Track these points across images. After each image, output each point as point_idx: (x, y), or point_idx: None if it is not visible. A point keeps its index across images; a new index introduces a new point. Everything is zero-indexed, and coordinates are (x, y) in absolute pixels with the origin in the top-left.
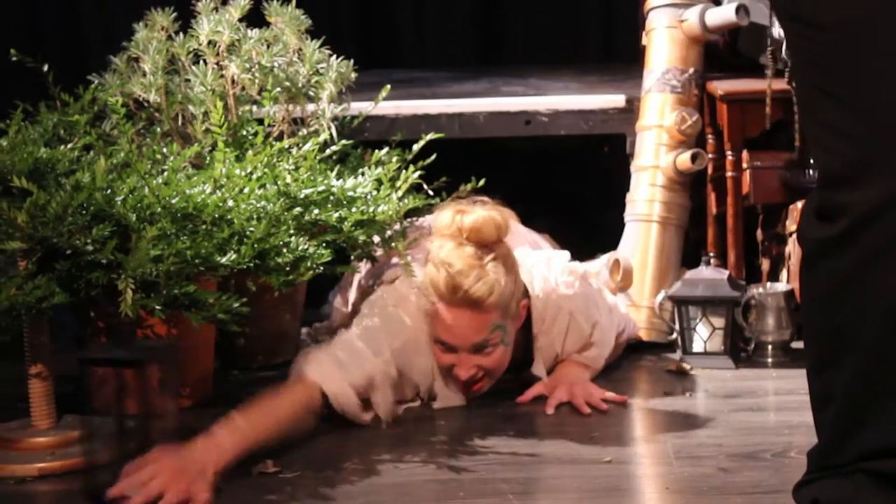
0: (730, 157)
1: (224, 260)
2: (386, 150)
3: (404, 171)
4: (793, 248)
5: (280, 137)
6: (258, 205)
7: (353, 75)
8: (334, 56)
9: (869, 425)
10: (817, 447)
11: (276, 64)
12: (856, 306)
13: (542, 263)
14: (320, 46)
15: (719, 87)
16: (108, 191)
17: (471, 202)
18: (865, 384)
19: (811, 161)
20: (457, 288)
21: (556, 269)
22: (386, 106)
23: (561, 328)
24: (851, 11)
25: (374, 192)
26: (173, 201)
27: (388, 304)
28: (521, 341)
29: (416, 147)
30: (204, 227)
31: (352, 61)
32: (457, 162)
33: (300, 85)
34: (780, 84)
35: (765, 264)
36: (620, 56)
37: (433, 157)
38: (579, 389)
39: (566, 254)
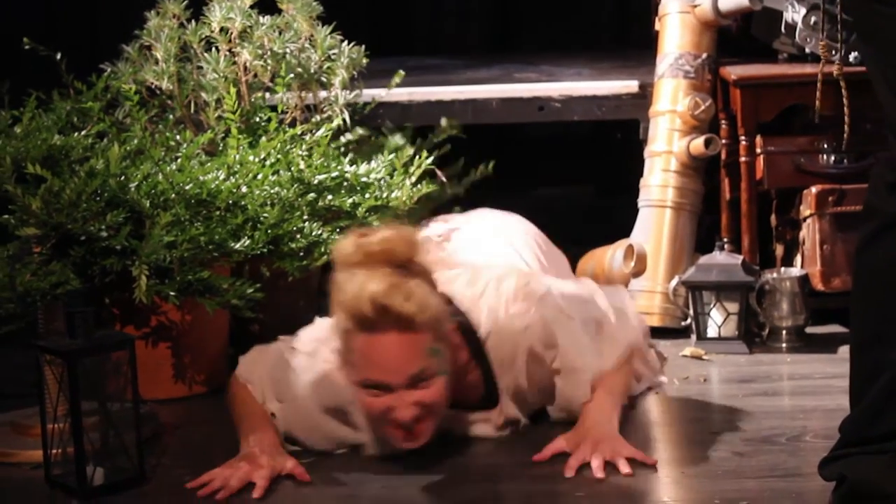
0: (743, 142)
1: (238, 246)
2: (399, 135)
3: (417, 157)
4: (807, 233)
5: (293, 124)
6: (272, 191)
7: (365, 61)
8: (346, 42)
9: None
10: (851, 419)
11: (288, 50)
12: None
13: (491, 290)
14: (332, 32)
15: (732, 72)
16: (122, 177)
17: (371, 228)
18: None
19: (828, 146)
20: (386, 309)
21: (506, 296)
22: (399, 92)
23: (521, 366)
24: None
25: (388, 178)
26: (187, 187)
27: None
28: (480, 380)
29: (433, 137)
30: (218, 213)
31: (363, 47)
32: (471, 147)
33: (312, 71)
34: (794, 69)
35: (779, 249)
36: (633, 42)
37: (447, 146)
38: (605, 448)
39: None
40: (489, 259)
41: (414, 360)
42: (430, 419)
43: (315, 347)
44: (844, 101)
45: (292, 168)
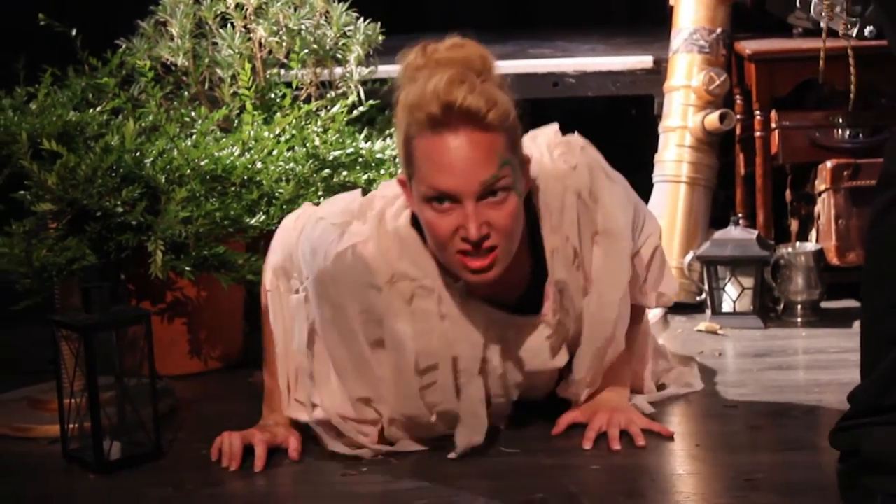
0: (758, 117)
1: (253, 221)
2: None
3: None
4: (822, 208)
5: (308, 100)
6: (287, 167)
7: (381, 38)
8: (361, 19)
9: None
10: (862, 389)
11: (303, 27)
12: None
13: (528, 143)
14: (347, 9)
15: (747, 46)
16: (138, 153)
17: (437, 39)
18: None
19: (843, 121)
20: (450, 104)
21: (546, 143)
22: None
23: (571, 215)
24: None
25: None
26: (202, 163)
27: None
28: (527, 260)
29: None
30: (233, 188)
31: (379, 24)
32: None
33: (327, 48)
34: (809, 43)
35: (793, 224)
36: (648, 17)
37: None
38: (620, 417)
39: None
40: None
41: (485, 164)
42: (500, 249)
43: (346, 220)
44: (851, 70)
45: (307, 144)
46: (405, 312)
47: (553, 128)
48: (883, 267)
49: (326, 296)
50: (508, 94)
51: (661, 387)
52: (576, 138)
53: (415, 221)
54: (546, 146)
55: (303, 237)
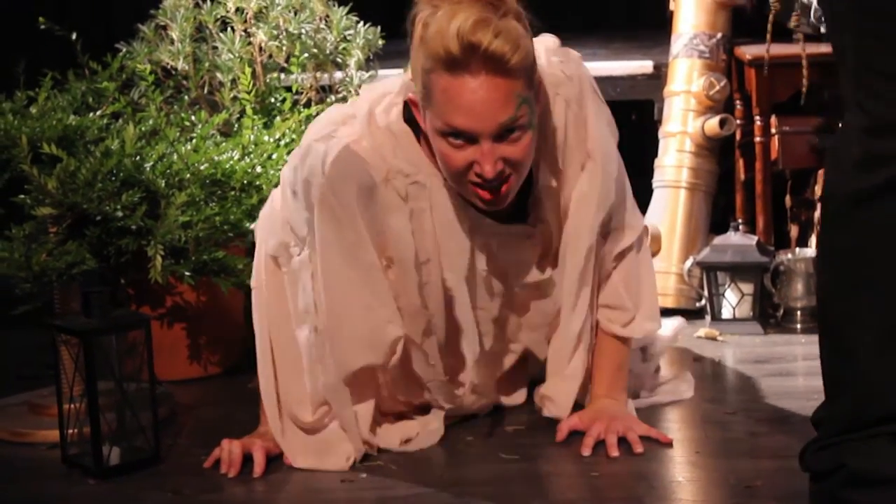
0: (758, 123)
1: (253, 226)
2: None
3: None
4: (816, 238)
5: (308, 104)
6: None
7: (381, 42)
8: (361, 23)
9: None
10: (829, 409)
11: (303, 31)
12: (892, 261)
13: None
14: (347, 13)
15: (747, 51)
16: (137, 157)
17: None
18: (893, 342)
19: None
20: (474, 47)
21: (542, 48)
22: None
23: (559, 122)
24: None
25: None
26: (202, 167)
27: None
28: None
29: None
30: (233, 193)
31: (379, 28)
32: None
33: (328, 52)
34: (810, 49)
35: (793, 230)
36: (648, 22)
37: None
38: (618, 424)
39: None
40: None
41: (505, 106)
42: (513, 178)
43: (331, 130)
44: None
45: None
46: (403, 209)
47: (552, 37)
48: (833, 282)
49: (329, 208)
50: (526, 24)
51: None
52: (574, 52)
53: (407, 116)
54: (545, 50)
55: (294, 173)
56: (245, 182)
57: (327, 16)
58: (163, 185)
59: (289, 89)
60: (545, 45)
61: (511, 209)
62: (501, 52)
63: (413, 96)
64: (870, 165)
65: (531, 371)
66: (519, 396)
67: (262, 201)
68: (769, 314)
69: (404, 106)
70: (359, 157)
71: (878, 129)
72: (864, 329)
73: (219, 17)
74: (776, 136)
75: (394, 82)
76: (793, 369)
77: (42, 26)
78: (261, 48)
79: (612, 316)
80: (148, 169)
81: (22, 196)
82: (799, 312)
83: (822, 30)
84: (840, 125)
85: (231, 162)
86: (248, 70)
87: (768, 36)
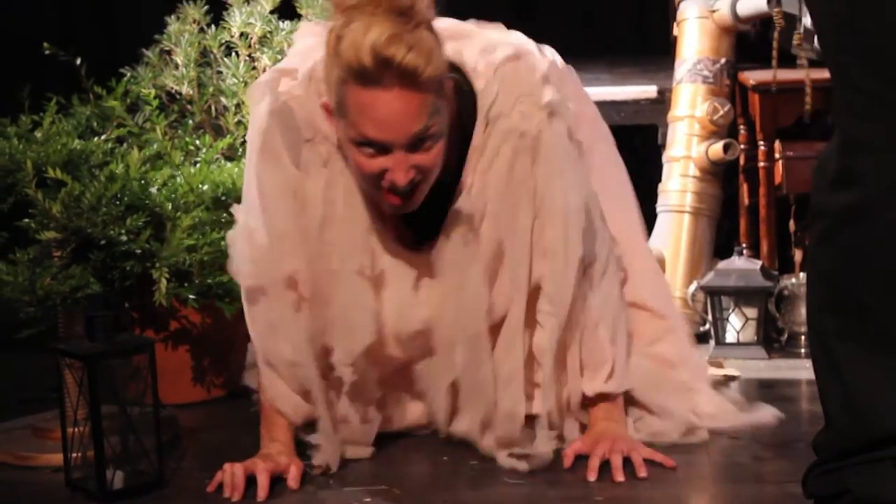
0: (762, 147)
1: None
2: None
3: None
4: (805, 256)
5: None
6: None
7: None
8: None
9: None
10: (827, 432)
11: None
12: (878, 276)
13: (511, 62)
14: None
15: (751, 77)
16: (142, 181)
17: None
18: (885, 363)
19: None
20: (387, 61)
21: (535, 73)
22: None
23: (505, 156)
24: None
25: None
26: (205, 188)
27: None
28: (453, 163)
29: None
30: None
31: None
32: None
33: None
34: (813, 74)
35: (797, 255)
36: (652, 47)
37: None
38: (622, 445)
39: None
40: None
41: (416, 119)
42: (423, 184)
43: (274, 77)
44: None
45: None
46: (321, 175)
47: (551, 54)
48: (820, 300)
49: (268, 152)
50: (436, 32)
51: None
52: (570, 84)
53: None
54: (528, 78)
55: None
56: None
57: None
58: (169, 207)
59: None
60: (534, 76)
61: (426, 204)
62: (414, 65)
63: (326, 102)
64: (845, 183)
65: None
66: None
67: None
68: (773, 339)
69: None
70: (291, 114)
71: (853, 147)
72: (852, 347)
73: (223, 41)
74: (780, 161)
75: None
76: (797, 394)
77: (47, 51)
78: (265, 73)
79: (594, 375)
80: (153, 193)
81: (26, 220)
82: (803, 337)
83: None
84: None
85: (233, 178)
86: None
87: (774, 54)
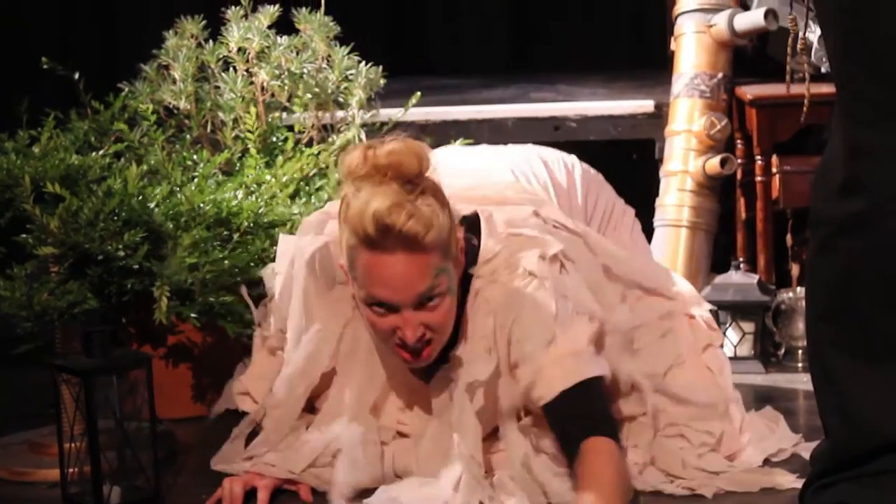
0: (759, 162)
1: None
2: None
3: None
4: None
5: (310, 144)
6: (292, 212)
7: (383, 81)
8: (363, 62)
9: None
10: (824, 446)
11: (305, 71)
12: (877, 285)
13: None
14: (349, 53)
15: (748, 91)
16: (140, 197)
17: (379, 140)
18: (881, 372)
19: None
20: (388, 228)
21: (536, 273)
22: (416, 112)
23: (501, 345)
24: None
25: None
26: (206, 207)
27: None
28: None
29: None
30: (238, 234)
31: (381, 68)
32: None
33: (329, 91)
34: (812, 88)
35: (794, 269)
36: (649, 61)
37: None
38: None
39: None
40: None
41: (421, 280)
42: (436, 341)
43: (321, 219)
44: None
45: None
46: (344, 316)
47: (546, 248)
48: (818, 308)
49: (305, 288)
50: (442, 196)
51: None
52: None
53: None
54: (529, 274)
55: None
56: (251, 223)
57: (329, 55)
58: (171, 226)
59: (291, 129)
60: (536, 248)
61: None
62: (415, 232)
63: (342, 263)
64: (850, 191)
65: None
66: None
67: (272, 243)
68: (770, 353)
69: None
70: (330, 256)
71: (858, 156)
72: (849, 357)
73: (221, 56)
74: (777, 176)
75: None
76: (794, 408)
77: (45, 66)
78: (263, 88)
79: None
80: (153, 209)
81: (24, 235)
82: (800, 351)
83: (823, 70)
84: (824, 153)
85: (236, 201)
86: (253, 110)
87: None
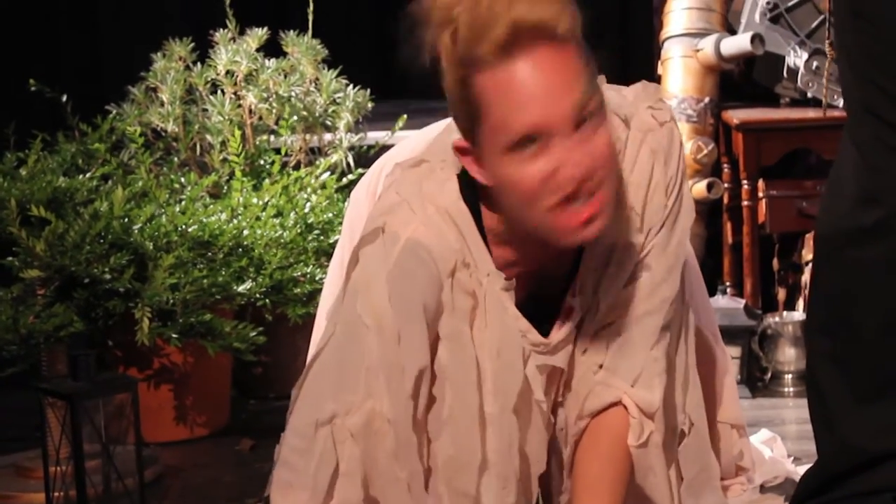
0: (745, 186)
1: (241, 289)
2: None
3: None
4: (809, 277)
5: (297, 167)
6: (275, 234)
7: (370, 105)
8: (351, 86)
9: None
10: (814, 467)
11: (293, 94)
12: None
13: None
14: (337, 76)
15: (735, 116)
16: (126, 219)
17: None
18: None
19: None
20: (515, 23)
21: (625, 91)
22: (403, 136)
23: (641, 177)
24: None
25: None
26: (190, 229)
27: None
28: None
29: None
30: (221, 255)
31: (368, 91)
32: None
33: (317, 114)
34: (796, 113)
35: (781, 293)
36: None
37: None
38: None
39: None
40: None
41: (572, 83)
42: (607, 185)
43: (378, 225)
44: None
45: (297, 209)
46: (465, 311)
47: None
48: (818, 320)
49: (387, 319)
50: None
51: None
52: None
53: (465, 194)
54: (634, 93)
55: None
56: (232, 244)
57: (317, 79)
58: (150, 247)
59: (278, 151)
60: (635, 90)
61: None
62: (549, 16)
63: (458, 141)
64: (864, 205)
65: None
66: None
67: (251, 263)
68: (757, 377)
69: (459, 182)
70: (423, 249)
71: (874, 171)
72: (840, 371)
73: (209, 79)
74: (764, 200)
75: (422, 149)
76: (781, 433)
77: (32, 88)
78: (250, 110)
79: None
80: (136, 231)
81: (10, 259)
82: (787, 376)
83: (809, 94)
84: (833, 167)
85: (219, 223)
86: (237, 132)
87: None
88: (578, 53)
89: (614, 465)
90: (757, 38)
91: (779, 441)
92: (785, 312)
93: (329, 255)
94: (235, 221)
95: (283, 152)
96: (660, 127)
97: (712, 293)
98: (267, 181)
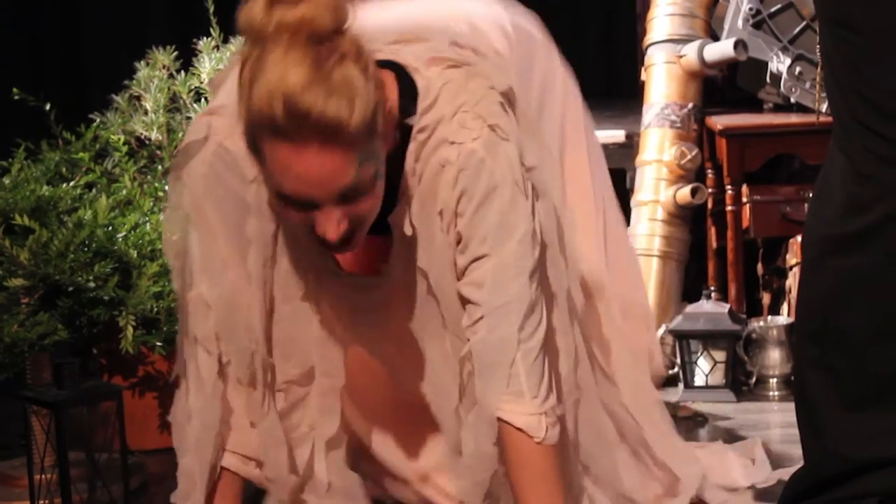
0: (729, 192)
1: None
2: None
3: None
4: (793, 282)
5: None
6: None
7: None
8: None
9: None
10: (801, 471)
11: None
12: (868, 305)
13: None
14: None
15: (718, 121)
16: (110, 228)
17: None
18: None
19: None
20: (303, 115)
21: (487, 98)
22: None
23: (433, 169)
24: (887, 19)
25: None
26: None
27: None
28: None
29: None
30: None
31: None
32: None
33: None
34: (779, 118)
35: (765, 298)
36: (620, 92)
37: None
38: None
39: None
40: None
41: (343, 174)
42: (360, 231)
43: (208, 121)
44: None
45: None
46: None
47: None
48: (804, 327)
49: (203, 212)
50: (364, 60)
51: None
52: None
53: None
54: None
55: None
56: None
57: None
58: (135, 255)
59: None
60: (498, 89)
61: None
62: (335, 118)
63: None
64: (852, 212)
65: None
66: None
67: None
68: (742, 382)
69: None
70: (230, 156)
71: (862, 178)
72: (827, 377)
73: (192, 87)
74: (748, 205)
75: None
76: (766, 437)
77: (16, 97)
78: None
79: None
80: (120, 239)
81: None
82: (772, 380)
83: (792, 99)
84: (821, 174)
85: None
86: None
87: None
88: (362, 141)
89: (532, 467)
90: (740, 44)
91: (759, 445)
92: (769, 317)
93: None
94: None
95: None
96: (470, 155)
97: (697, 298)
98: None
